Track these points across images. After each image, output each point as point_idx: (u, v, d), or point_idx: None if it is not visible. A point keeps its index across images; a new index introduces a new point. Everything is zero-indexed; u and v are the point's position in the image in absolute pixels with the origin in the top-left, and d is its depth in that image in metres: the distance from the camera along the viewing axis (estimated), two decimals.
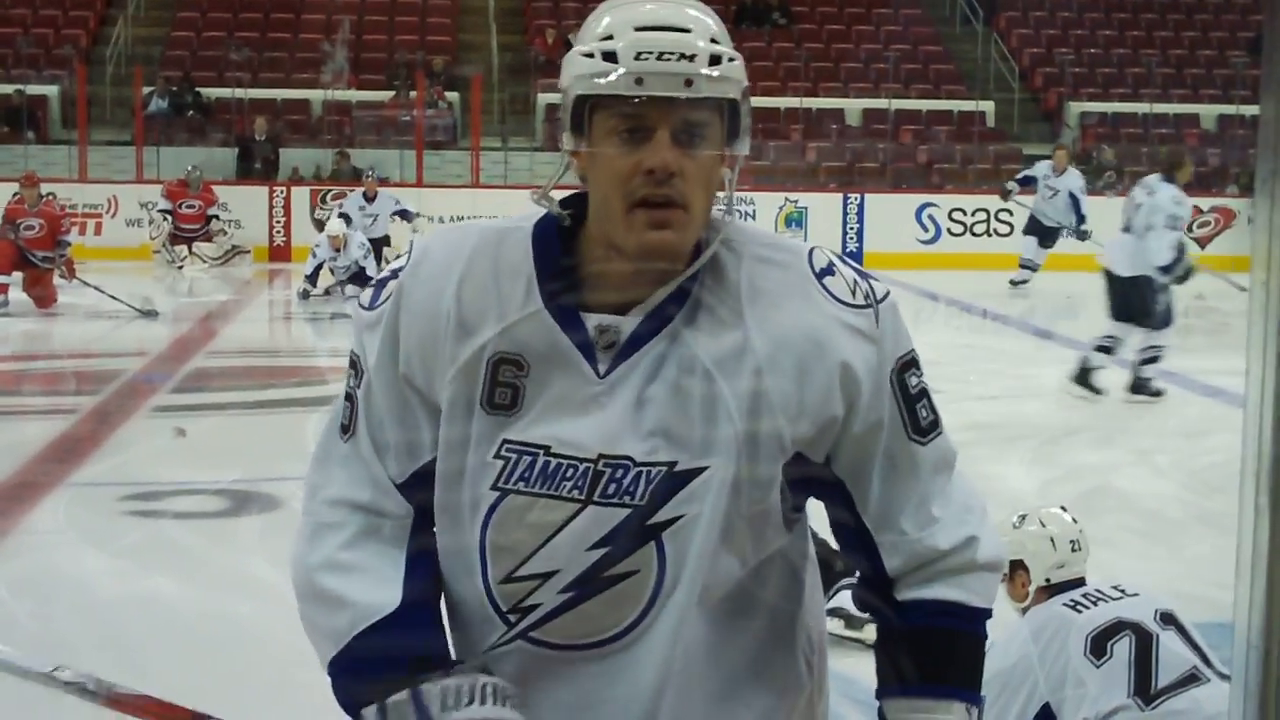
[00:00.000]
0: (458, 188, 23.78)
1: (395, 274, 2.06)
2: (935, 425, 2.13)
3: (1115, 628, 3.91)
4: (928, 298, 17.25)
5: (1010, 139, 27.13)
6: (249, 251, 22.10)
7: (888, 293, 2.08)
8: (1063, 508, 4.48)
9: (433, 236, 2.10)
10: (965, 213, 23.38)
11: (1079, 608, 3.99)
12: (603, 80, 1.91)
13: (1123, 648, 3.87)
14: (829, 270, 2.03)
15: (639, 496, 1.94)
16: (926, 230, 22.98)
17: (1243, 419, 1.20)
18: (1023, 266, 20.19)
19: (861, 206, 23.27)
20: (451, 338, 1.98)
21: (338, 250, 17.53)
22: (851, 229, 23.27)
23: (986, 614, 2.13)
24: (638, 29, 1.92)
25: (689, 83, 1.90)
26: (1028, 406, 11.18)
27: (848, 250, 20.98)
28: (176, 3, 28.92)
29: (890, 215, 23.20)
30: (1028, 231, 20.33)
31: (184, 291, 19.56)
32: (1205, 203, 23.52)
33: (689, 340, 1.95)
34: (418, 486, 2.04)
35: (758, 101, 25.26)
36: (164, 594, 6.37)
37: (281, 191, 23.00)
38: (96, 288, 16.16)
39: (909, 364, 2.08)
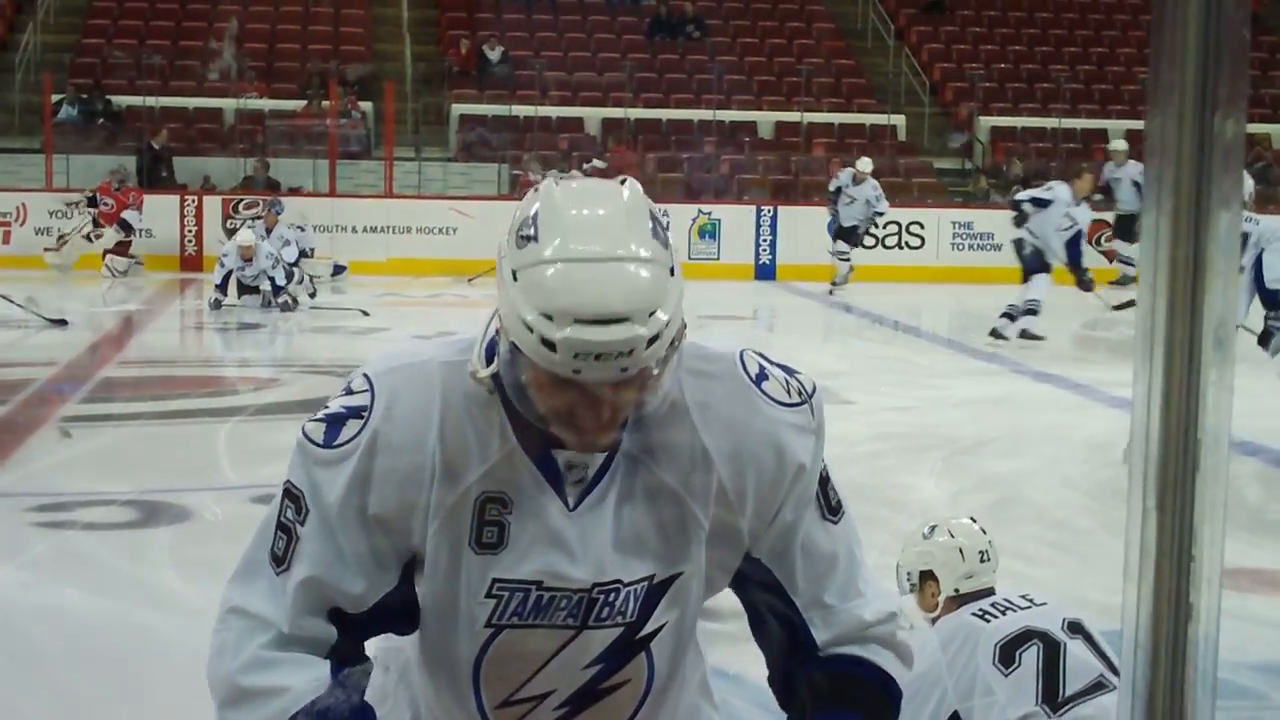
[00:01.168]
0: (372, 198, 23.71)
1: (357, 413, 2.08)
2: (842, 505, 2.24)
3: (1023, 637, 3.95)
4: (840, 309, 17.36)
5: (921, 152, 27.36)
6: (141, 262, 21.94)
7: (814, 385, 2.20)
8: (972, 518, 4.51)
9: (391, 374, 2.12)
10: (877, 225, 23.52)
11: (987, 617, 4.02)
12: (542, 358, 1.92)
13: (1030, 656, 3.91)
14: (763, 375, 2.15)
15: (630, 614, 2.08)
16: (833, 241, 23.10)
17: (1130, 423, 1.22)
18: (837, 255, 21.35)
19: (775, 219, 23.40)
20: (438, 483, 2.02)
21: (248, 260, 17.44)
22: (765, 241, 23.38)
23: (898, 690, 2.24)
24: (579, 321, 1.89)
25: (626, 369, 1.93)
26: (939, 417, 11.25)
27: (760, 262, 21.07)
28: (87, 9, 28.66)
29: (803, 227, 23.31)
30: (837, 236, 21.43)
31: (95, 301, 19.39)
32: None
33: (651, 465, 2.05)
34: (370, 619, 2.09)
35: (672, 113, 25.32)
36: (71, 605, 6.30)
37: (193, 200, 22.84)
38: (5, 296, 15.98)
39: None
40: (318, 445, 2.10)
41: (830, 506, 2.21)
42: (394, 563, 2.05)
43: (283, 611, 2.08)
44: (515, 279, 1.97)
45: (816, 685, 2.16)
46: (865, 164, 21.34)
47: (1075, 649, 3.93)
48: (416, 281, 21.47)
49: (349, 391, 2.14)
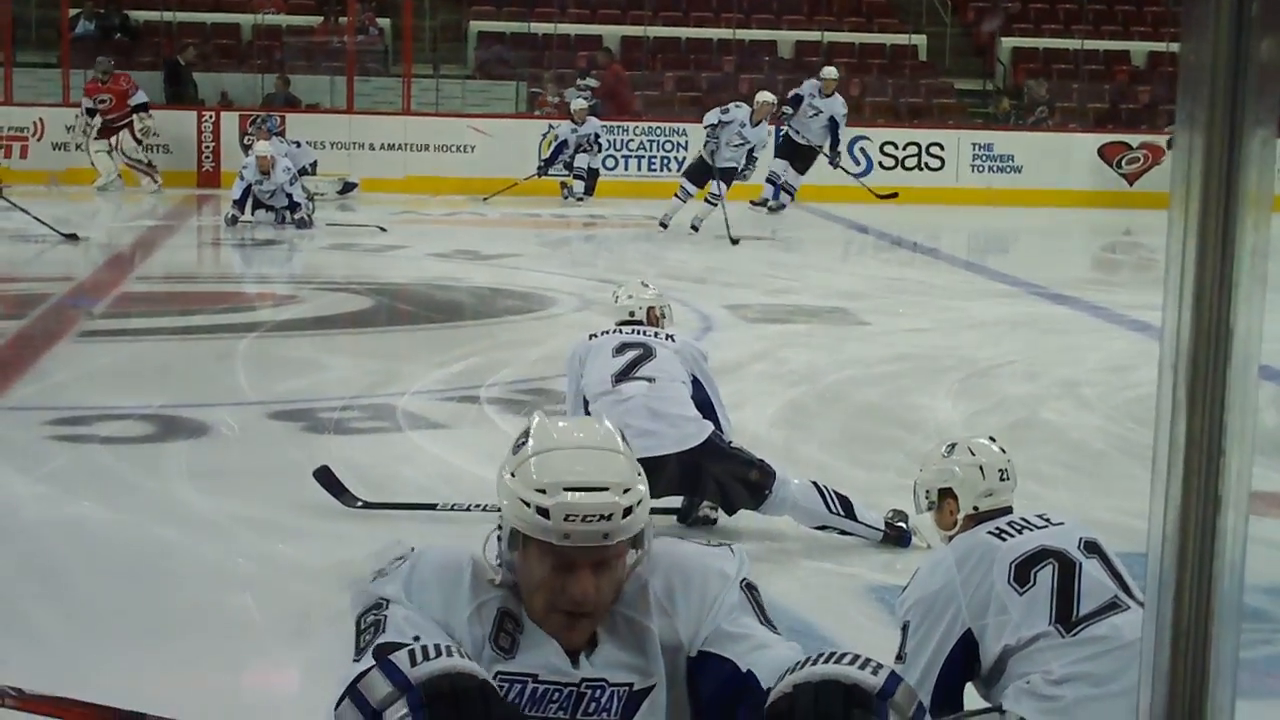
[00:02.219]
0: (389, 115, 23.62)
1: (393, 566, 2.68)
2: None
3: (1039, 556, 3.95)
4: (858, 230, 17.31)
5: (942, 74, 27.17)
6: (159, 182, 21.84)
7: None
8: (991, 438, 4.51)
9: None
10: (897, 146, 23.44)
11: (1004, 536, 4.02)
12: (537, 529, 2.49)
13: (1046, 576, 3.91)
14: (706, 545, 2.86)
15: (615, 712, 2.51)
16: (858, 164, 22.97)
17: (1162, 313, 1.21)
18: (769, 182, 20.30)
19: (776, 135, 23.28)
20: (465, 604, 2.55)
21: (265, 173, 17.40)
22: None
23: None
24: (567, 488, 2.49)
25: (606, 535, 2.49)
26: (956, 339, 11.23)
27: (779, 183, 20.98)
28: None
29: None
30: (780, 154, 20.46)
31: (112, 216, 19.38)
32: (1134, 139, 23.67)
33: (637, 617, 2.61)
34: None
35: (691, 32, 25.20)
36: (89, 518, 6.33)
37: (210, 117, 22.77)
38: (23, 210, 15.97)
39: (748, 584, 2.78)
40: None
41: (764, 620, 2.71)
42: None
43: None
44: (514, 476, 2.57)
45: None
46: (830, 72, 20.37)
47: (1091, 569, 3.93)
48: (433, 199, 21.41)
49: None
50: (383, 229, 17.37)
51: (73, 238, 15.68)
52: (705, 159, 17.78)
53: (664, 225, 18.17)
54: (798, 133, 20.18)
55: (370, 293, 13.03)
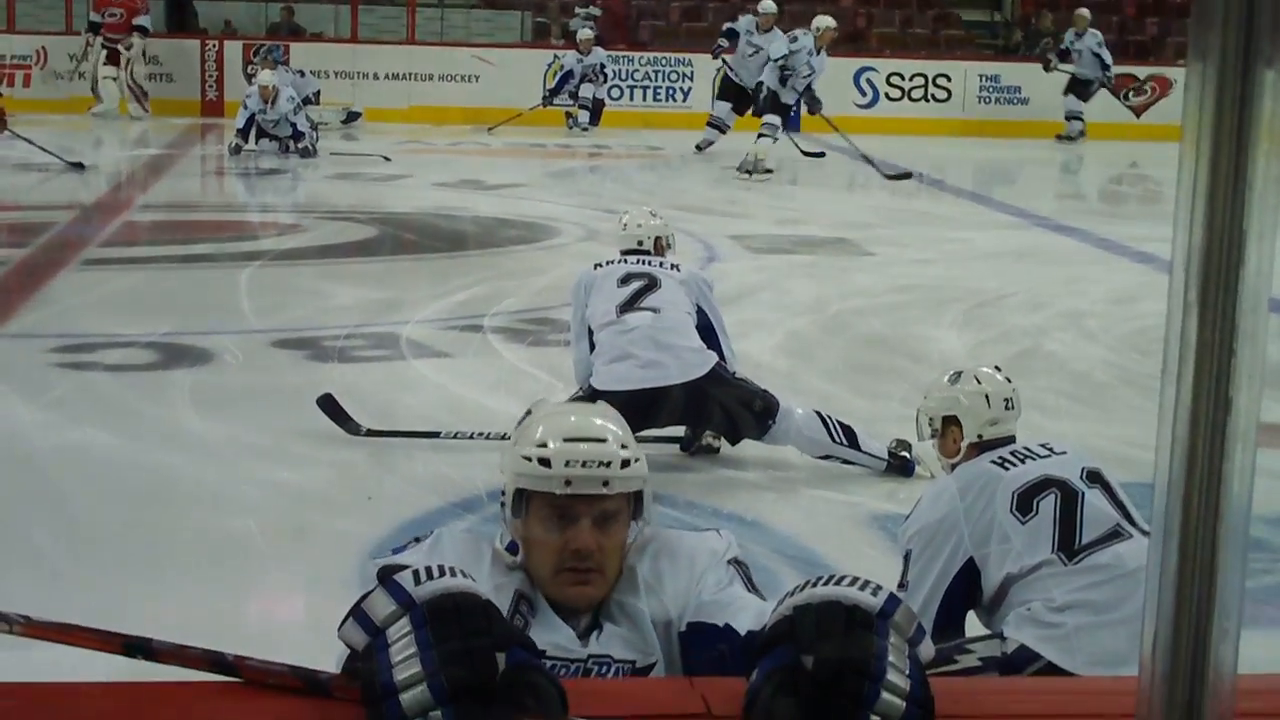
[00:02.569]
0: (394, 44, 23.52)
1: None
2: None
3: (1041, 485, 3.95)
4: (864, 161, 17.21)
5: (949, 4, 27.00)
6: (148, 111, 21.77)
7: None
8: (996, 368, 4.51)
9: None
10: (903, 77, 23.33)
11: (1006, 465, 4.03)
12: (540, 480, 2.62)
13: (1048, 504, 3.91)
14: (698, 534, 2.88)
15: None
16: (864, 94, 22.91)
17: (1174, 213, 1.20)
18: (711, 126, 19.05)
19: None
20: (488, 569, 2.67)
21: (268, 103, 17.34)
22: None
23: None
24: (566, 439, 2.64)
25: (606, 483, 2.62)
26: (961, 269, 11.21)
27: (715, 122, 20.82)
28: None
29: (828, 79, 23.07)
30: (721, 97, 19.34)
31: (115, 145, 19.33)
32: (1142, 71, 23.56)
33: (628, 600, 2.68)
34: None
35: None
36: (94, 445, 6.34)
37: (214, 45, 22.68)
38: (27, 139, 15.92)
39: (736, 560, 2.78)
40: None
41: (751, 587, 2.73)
42: None
43: None
44: (516, 444, 2.70)
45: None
46: (768, 6, 18.66)
47: (1093, 498, 3.93)
48: (438, 129, 21.34)
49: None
50: (387, 158, 17.33)
51: (79, 166, 15.65)
52: (768, 89, 17.13)
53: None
54: (734, 72, 18.84)
55: (374, 222, 13.01)
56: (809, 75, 17.36)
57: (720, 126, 18.85)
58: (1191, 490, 1.22)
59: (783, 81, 17.23)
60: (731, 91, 18.80)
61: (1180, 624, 1.26)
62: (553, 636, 2.60)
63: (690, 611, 2.65)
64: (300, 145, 17.38)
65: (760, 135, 17.01)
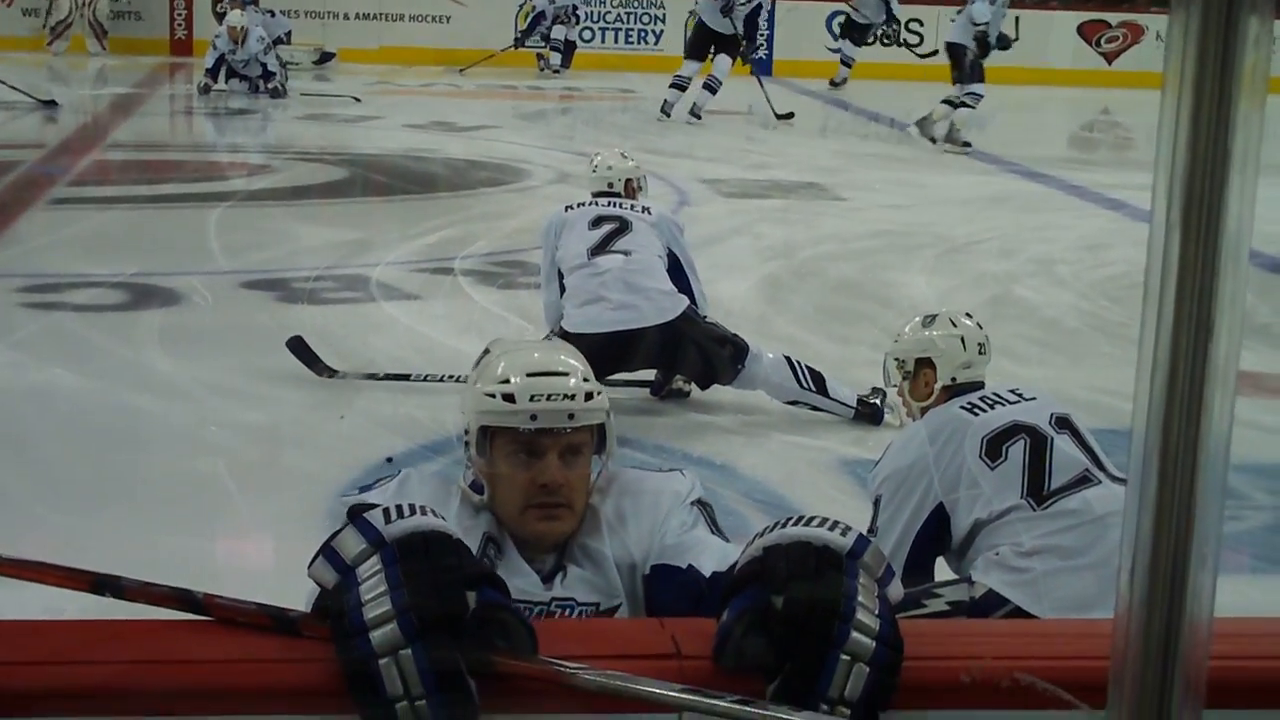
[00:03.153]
0: None
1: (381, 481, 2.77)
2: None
3: (1011, 431, 3.96)
4: (837, 106, 17.22)
5: None
6: (105, 48, 21.64)
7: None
8: (968, 314, 4.51)
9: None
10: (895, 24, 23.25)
11: (976, 411, 4.03)
12: (505, 416, 2.64)
13: (1017, 450, 3.92)
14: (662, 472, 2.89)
15: None
16: (836, 39, 22.84)
17: (1156, 137, 1.19)
18: (674, 86, 17.33)
19: (772, 14, 23.06)
20: (456, 509, 2.67)
21: (237, 43, 17.23)
22: (761, 36, 23.09)
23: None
24: (529, 375, 2.65)
25: (571, 415, 2.64)
26: (931, 215, 11.22)
27: (758, 58, 20.77)
28: None
29: (800, 23, 23.06)
30: (690, 49, 17.94)
31: (83, 83, 19.20)
32: (1114, 18, 23.53)
33: (591, 542, 2.68)
34: None
35: None
36: (61, 385, 6.32)
37: None
38: (4, 82, 15.80)
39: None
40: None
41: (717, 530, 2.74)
42: None
43: None
44: (477, 383, 2.71)
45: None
46: None
47: (1062, 444, 3.94)
48: (408, 70, 21.24)
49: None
50: (357, 99, 17.25)
51: (52, 104, 15.55)
52: (973, 54, 15.43)
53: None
54: (707, 17, 17.29)
55: (344, 163, 12.95)
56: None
57: (682, 86, 17.27)
58: (1172, 416, 1.22)
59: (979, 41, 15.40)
60: (703, 40, 17.52)
61: (1159, 550, 1.26)
62: (516, 580, 2.55)
63: (654, 554, 2.65)
64: (270, 85, 17.29)
65: (960, 103, 15.39)
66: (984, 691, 1.72)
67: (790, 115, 16.98)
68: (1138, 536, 1.25)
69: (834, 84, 20.88)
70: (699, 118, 16.52)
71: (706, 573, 2.52)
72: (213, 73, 17.43)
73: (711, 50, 17.00)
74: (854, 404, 6.22)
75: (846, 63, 21.16)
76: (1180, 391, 1.20)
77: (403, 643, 1.67)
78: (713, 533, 2.70)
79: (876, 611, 1.71)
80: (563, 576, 2.66)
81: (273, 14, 20.31)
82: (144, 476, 5.41)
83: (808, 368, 6.25)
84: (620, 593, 2.67)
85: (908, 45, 23.16)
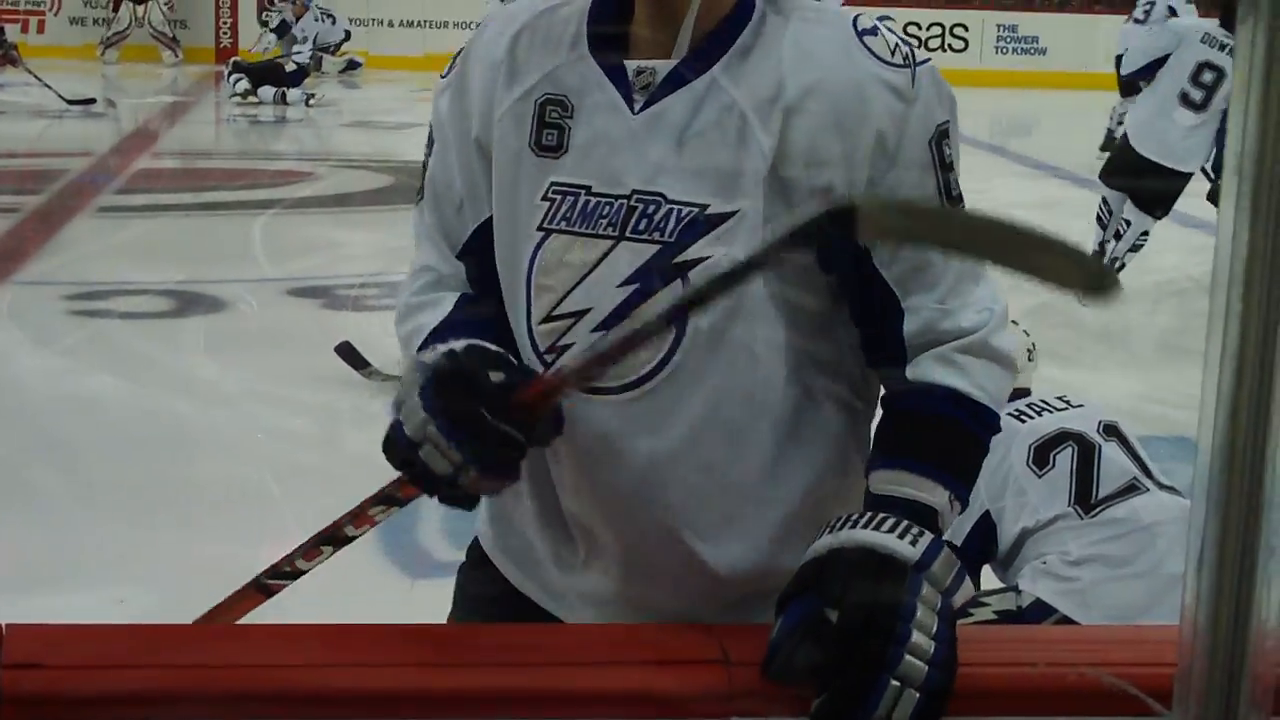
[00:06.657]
0: None
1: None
2: (963, 199, 1.97)
3: (1058, 438, 3.93)
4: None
5: None
6: (180, 56, 21.74)
7: (929, 59, 1.93)
8: (1014, 321, 4.48)
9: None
10: (920, 27, 23.20)
11: (1023, 417, 4.00)
12: None
13: (1065, 458, 3.89)
14: (872, 31, 1.91)
15: (668, 234, 1.88)
16: None
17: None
18: None
19: None
20: (503, 84, 1.97)
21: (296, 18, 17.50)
22: None
23: (992, 416, 2.00)
24: None
25: None
26: None
27: None
28: None
29: None
30: None
31: (130, 91, 19.30)
32: None
33: (727, 86, 1.88)
34: (479, 246, 2.04)
35: None
36: (106, 393, 6.34)
37: None
38: (38, 78, 15.90)
39: (945, 133, 1.93)
40: (440, 78, 2.11)
41: (951, 197, 1.94)
42: (486, 180, 2.03)
43: (423, 248, 2.10)
44: None
45: (892, 439, 2.02)
46: None
47: (1110, 452, 3.91)
48: None
49: None
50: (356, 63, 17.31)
51: (90, 102, 15.65)
52: None
53: None
54: None
55: (389, 170, 12.98)
56: None
57: None
58: (1239, 410, 1.19)
59: None
60: None
61: (1225, 551, 1.23)
62: (599, 128, 1.92)
63: (860, 174, 1.86)
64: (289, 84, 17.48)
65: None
66: (1037, 698, 1.69)
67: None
68: (1204, 537, 1.22)
69: None
70: None
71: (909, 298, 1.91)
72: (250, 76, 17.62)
73: None
74: None
75: None
76: (1248, 385, 1.18)
77: (426, 419, 1.75)
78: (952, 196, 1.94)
79: (934, 632, 1.66)
80: (653, 97, 1.91)
81: (333, 20, 20.26)
82: (190, 484, 5.42)
83: None
84: (746, 192, 1.87)
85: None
